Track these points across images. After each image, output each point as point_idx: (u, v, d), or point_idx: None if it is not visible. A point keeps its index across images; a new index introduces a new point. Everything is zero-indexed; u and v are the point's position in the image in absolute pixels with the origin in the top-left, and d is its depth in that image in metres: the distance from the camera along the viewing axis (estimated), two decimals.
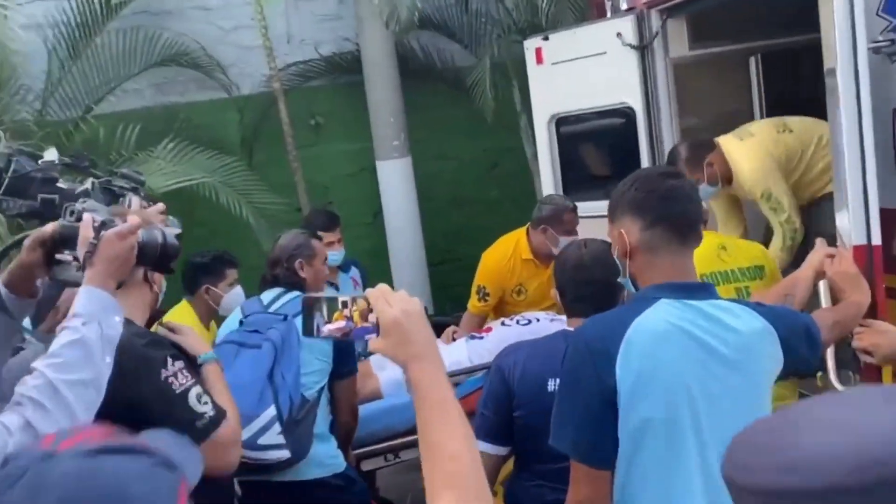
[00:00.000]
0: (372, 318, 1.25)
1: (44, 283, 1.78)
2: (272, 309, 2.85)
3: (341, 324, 1.28)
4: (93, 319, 1.56)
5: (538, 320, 3.65)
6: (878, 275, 2.30)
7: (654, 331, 1.75)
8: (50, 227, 1.70)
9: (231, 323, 2.97)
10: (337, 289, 4.09)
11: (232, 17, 6.24)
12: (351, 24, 6.33)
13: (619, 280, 2.08)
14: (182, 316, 3.43)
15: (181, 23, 6.08)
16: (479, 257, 4.20)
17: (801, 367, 2.06)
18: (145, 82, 6.04)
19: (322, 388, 2.76)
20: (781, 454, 0.69)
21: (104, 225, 1.64)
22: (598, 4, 4.71)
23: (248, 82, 6.27)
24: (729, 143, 3.63)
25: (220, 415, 1.77)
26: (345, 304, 1.27)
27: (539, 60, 4.63)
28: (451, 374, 2.67)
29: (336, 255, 4.05)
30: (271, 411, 2.53)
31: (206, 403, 1.76)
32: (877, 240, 2.30)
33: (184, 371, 1.78)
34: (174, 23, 6.07)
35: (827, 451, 0.66)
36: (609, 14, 4.48)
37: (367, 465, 3.35)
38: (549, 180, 4.77)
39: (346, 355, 2.81)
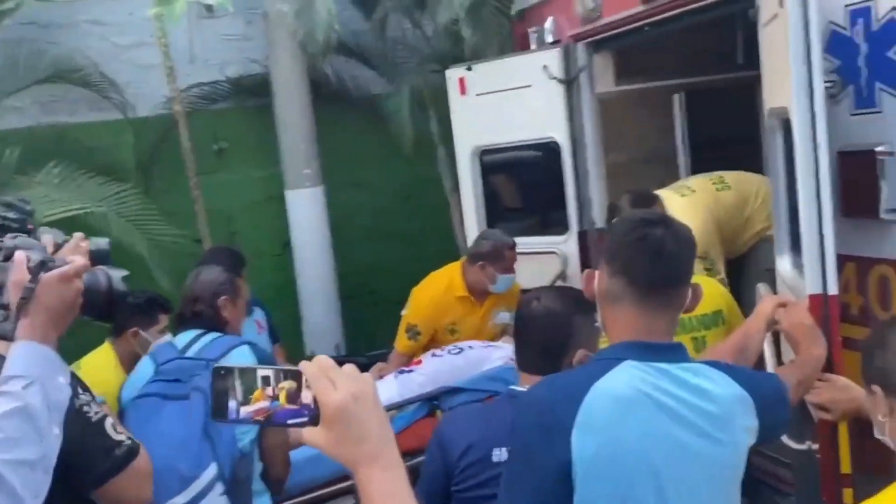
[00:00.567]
0: (305, 397, 0.98)
1: None
2: (190, 353, 2.54)
3: (263, 404, 0.99)
4: (34, 382, 1.29)
5: (471, 348, 3.55)
6: (835, 325, 2.18)
7: (616, 396, 1.56)
8: None
9: (142, 371, 2.60)
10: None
11: (129, 34, 5.85)
12: (259, 45, 6.06)
13: (569, 340, 1.94)
14: (102, 358, 3.15)
15: (72, 37, 5.66)
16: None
17: (773, 436, 1.91)
18: (29, 100, 5.55)
19: (254, 440, 2.50)
20: None
21: (43, 265, 1.38)
22: (521, 36, 4.60)
23: (146, 103, 5.87)
24: (671, 200, 3.62)
25: (136, 444, 1.67)
26: (266, 381, 0.99)
27: (462, 91, 4.49)
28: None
29: None
30: (212, 471, 2.26)
31: (120, 433, 1.66)
32: (833, 289, 2.18)
33: (94, 402, 1.64)
34: (64, 37, 5.64)
35: None
36: (534, 46, 4.38)
37: None
38: (472, 214, 4.62)
39: None
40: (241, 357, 2.52)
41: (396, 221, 6.40)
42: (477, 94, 4.44)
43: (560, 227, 4.37)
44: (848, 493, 2.23)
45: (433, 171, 5.96)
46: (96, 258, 1.57)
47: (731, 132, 4.50)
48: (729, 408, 1.60)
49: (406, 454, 3.54)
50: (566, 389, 1.59)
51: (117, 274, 1.57)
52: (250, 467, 2.45)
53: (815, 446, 2.28)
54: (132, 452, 1.64)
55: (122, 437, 1.65)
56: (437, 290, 3.96)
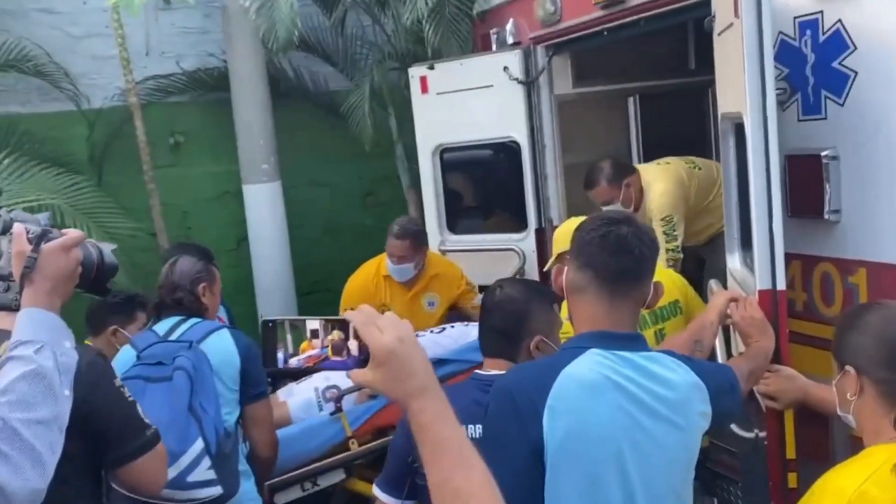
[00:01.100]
0: (352, 346, 1.10)
1: None
2: (172, 338, 2.59)
3: (313, 352, 1.12)
4: (45, 346, 1.34)
5: (452, 327, 3.62)
6: (783, 320, 2.31)
7: (583, 381, 1.66)
8: None
9: (123, 359, 2.59)
10: None
11: (83, 24, 5.73)
12: (217, 38, 5.99)
13: (525, 324, 2.04)
14: None
15: (23, 26, 5.51)
16: None
17: (725, 423, 2.01)
18: None
19: (237, 420, 2.59)
20: None
21: (44, 235, 1.43)
22: (482, 37, 4.67)
23: (100, 94, 5.76)
24: (647, 168, 3.96)
25: (158, 432, 1.74)
26: (314, 334, 1.12)
27: (424, 89, 4.54)
28: None
29: None
30: (199, 445, 2.31)
31: (147, 419, 1.72)
32: (781, 285, 2.31)
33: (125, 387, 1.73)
34: (15, 25, 5.50)
35: None
36: (494, 47, 4.46)
37: (281, 499, 3.15)
38: (432, 211, 4.67)
39: (255, 376, 2.62)
40: (220, 340, 2.58)
41: (354, 217, 6.40)
42: (438, 93, 4.50)
43: (519, 224, 4.46)
44: (793, 478, 2.36)
45: (391, 168, 5.98)
46: None
47: (682, 134, 4.66)
48: (686, 394, 1.71)
49: (387, 429, 3.59)
50: (536, 375, 1.69)
51: (107, 247, 1.62)
52: (235, 445, 2.51)
53: (763, 434, 2.40)
54: (157, 437, 1.71)
55: (149, 422, 1.71)
56: (367, 274, 4.14)
